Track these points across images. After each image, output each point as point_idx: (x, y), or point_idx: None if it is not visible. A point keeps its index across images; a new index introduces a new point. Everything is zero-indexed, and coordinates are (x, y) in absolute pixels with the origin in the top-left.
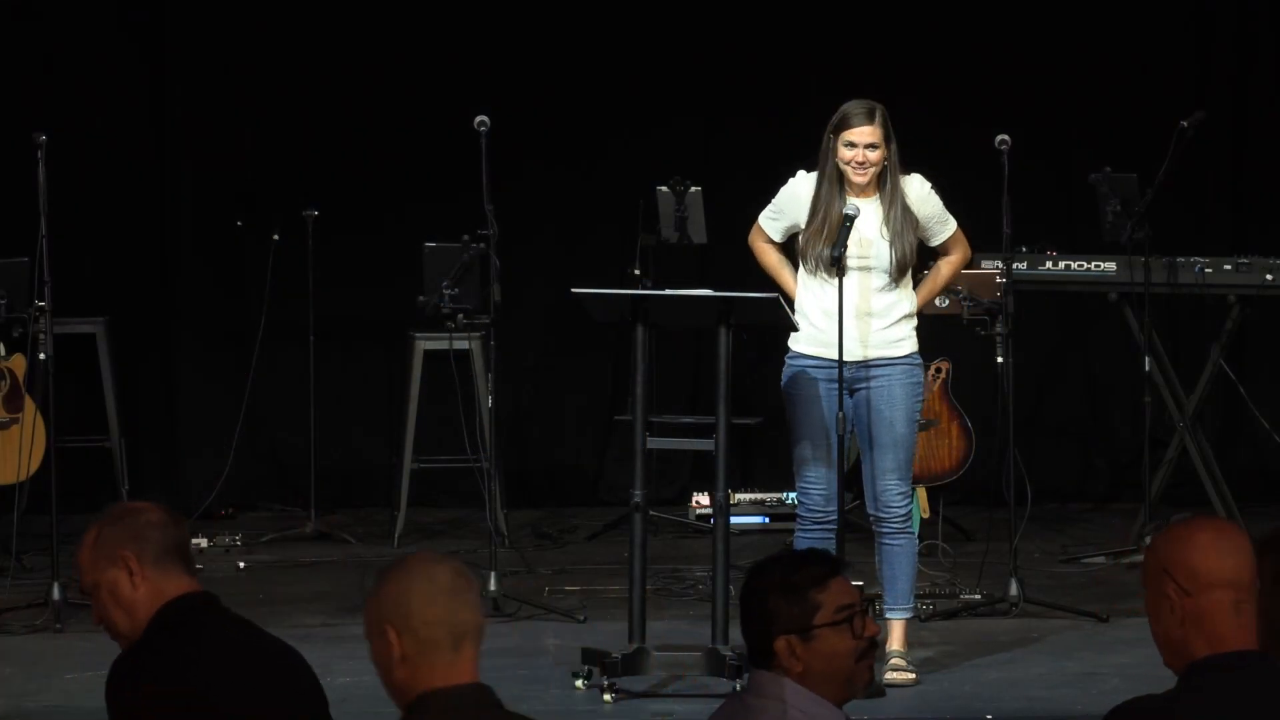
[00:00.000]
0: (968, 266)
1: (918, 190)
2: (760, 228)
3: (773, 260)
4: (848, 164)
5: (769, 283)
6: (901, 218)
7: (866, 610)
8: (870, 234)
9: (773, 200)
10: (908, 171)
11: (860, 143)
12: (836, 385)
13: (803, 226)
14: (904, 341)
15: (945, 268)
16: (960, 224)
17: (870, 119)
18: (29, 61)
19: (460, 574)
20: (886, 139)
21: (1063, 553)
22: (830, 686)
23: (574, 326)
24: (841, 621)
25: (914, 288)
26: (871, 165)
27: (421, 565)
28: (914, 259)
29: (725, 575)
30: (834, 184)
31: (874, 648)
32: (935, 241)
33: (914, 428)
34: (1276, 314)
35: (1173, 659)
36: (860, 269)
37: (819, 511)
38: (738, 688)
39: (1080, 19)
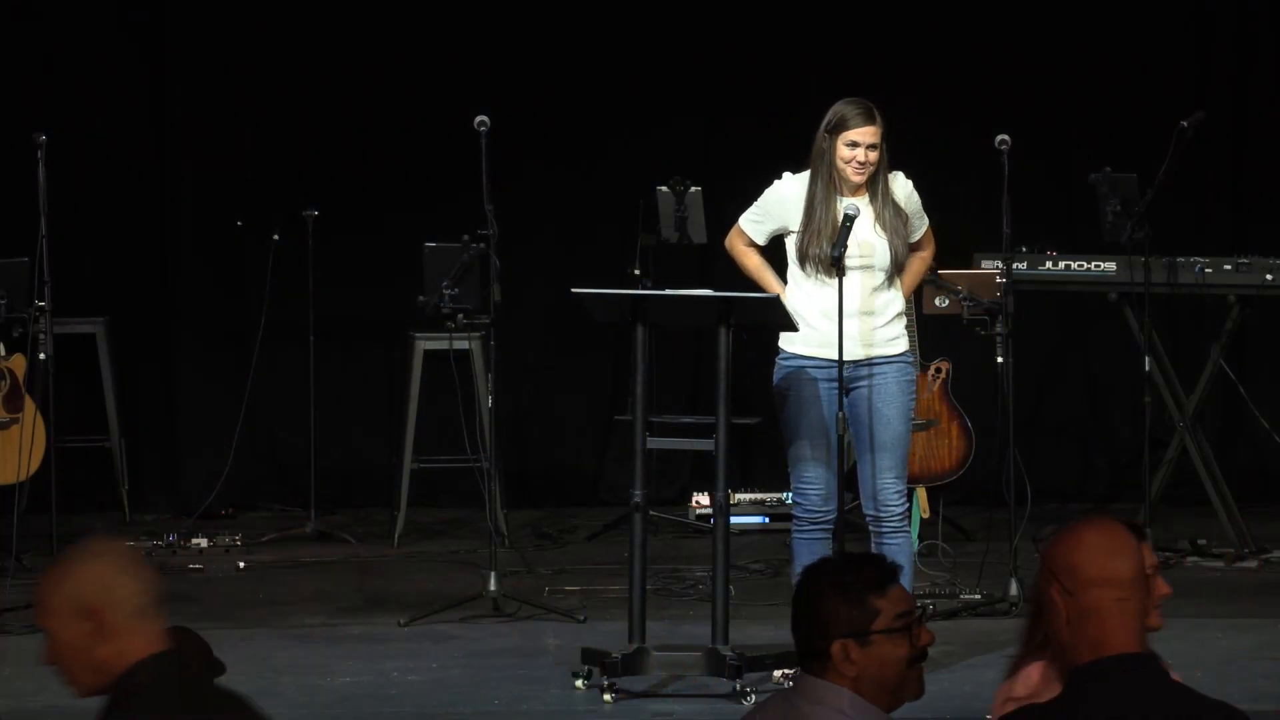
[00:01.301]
0: (966, 266)
1: (904, 188)
2: (741, 231)
3: (755, 263)
4: (848, 164)
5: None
6: (894, 215)
7: (922, 618)
8: (866, 233)
9: (755, 203)
10: (891, 169)
11: (864, 143)
12: (823, 383)
13: (792, 229)
14: (899, 340)
15: (918, 262)
16: (960, 224)
17: (872, 119)
18: (29, 61)
19: (132, 549)
20: (884, 137)
21: None
22: (881, 694)
23: (574, 326)
24: (899, 629)
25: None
26: (871, 165)
27: (106, 545)
28: (906, 256)
29: (725, 575)
30: (829, 184)
31: (924, 656)
32: (913, 239)
33: (909, 426)
34: (1276, 314)
35: (1063, 664)
36: (861, 268)
37: (816, 512)
38: (737, 688)
39: (1080, 19)
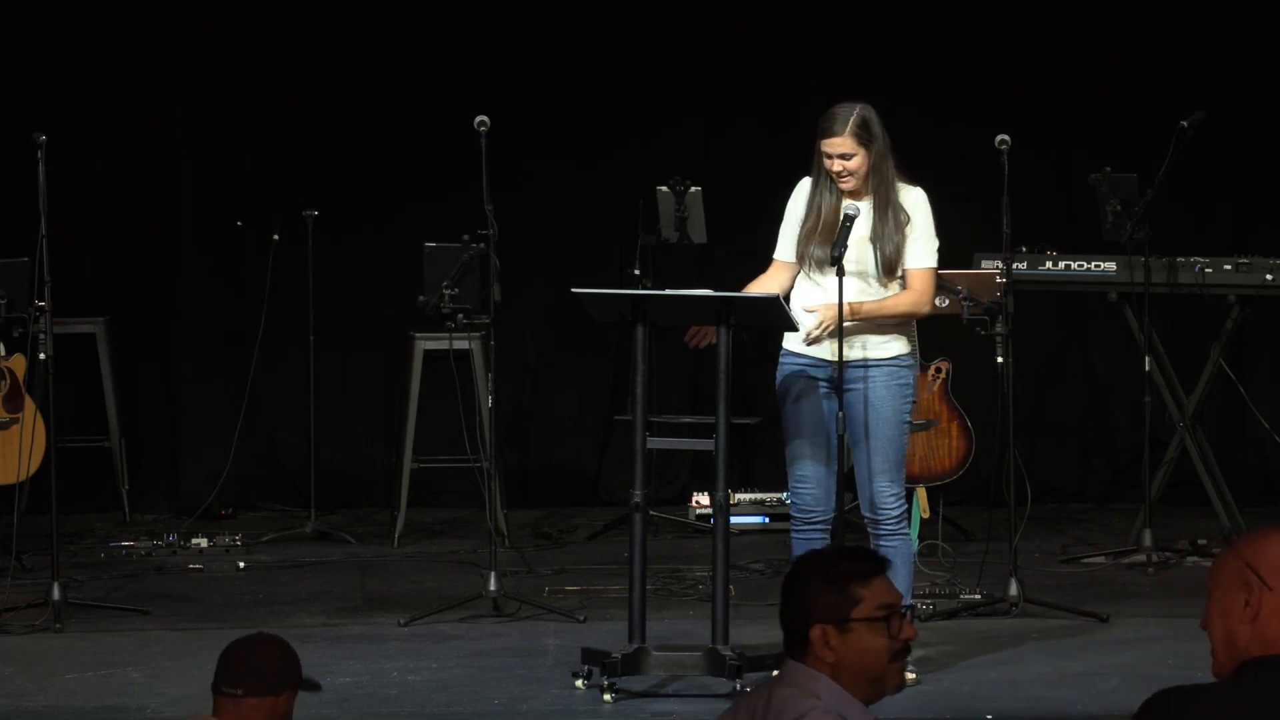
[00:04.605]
0: (966, 266)
1: (912, 204)
2: (773, 259)
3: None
4: (829, 171)
5: None
6: (890, 220)
7: (906, 613)
8: (858, 237)
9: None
10: (910, 178)
11: (833, 153)
12: (820, 383)
13: None
14: (890, 343)
15: (895, 302)
16: (960, 224)
17: (842, 128)
18: (29, 61)
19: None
20: (865, 143)
21: (1063, 553)
22: (860, 683)
23: (574, 326)
24: (879, 619)
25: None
26: (850, 174)
27: None
28: (899, 263)
29: (725, 575)
30: (827, 185)
31: (908, 651)
32: (904, 264)
33: (903, 428)
34: (1276, 314)
35: (1227, 660)
36: (853, 272)
37: (810, 512)
38: (738, 688)
39: (1080, 19)
